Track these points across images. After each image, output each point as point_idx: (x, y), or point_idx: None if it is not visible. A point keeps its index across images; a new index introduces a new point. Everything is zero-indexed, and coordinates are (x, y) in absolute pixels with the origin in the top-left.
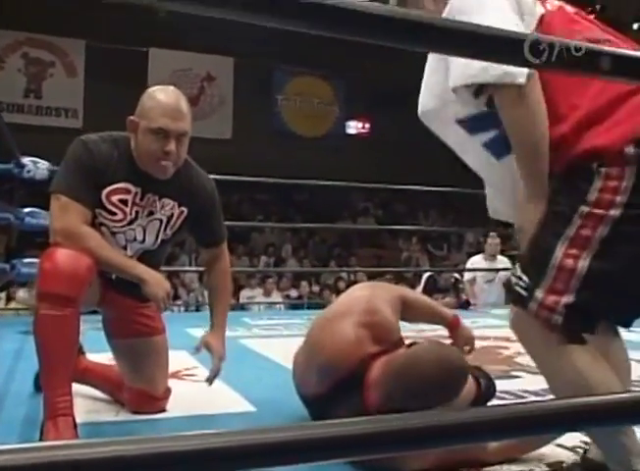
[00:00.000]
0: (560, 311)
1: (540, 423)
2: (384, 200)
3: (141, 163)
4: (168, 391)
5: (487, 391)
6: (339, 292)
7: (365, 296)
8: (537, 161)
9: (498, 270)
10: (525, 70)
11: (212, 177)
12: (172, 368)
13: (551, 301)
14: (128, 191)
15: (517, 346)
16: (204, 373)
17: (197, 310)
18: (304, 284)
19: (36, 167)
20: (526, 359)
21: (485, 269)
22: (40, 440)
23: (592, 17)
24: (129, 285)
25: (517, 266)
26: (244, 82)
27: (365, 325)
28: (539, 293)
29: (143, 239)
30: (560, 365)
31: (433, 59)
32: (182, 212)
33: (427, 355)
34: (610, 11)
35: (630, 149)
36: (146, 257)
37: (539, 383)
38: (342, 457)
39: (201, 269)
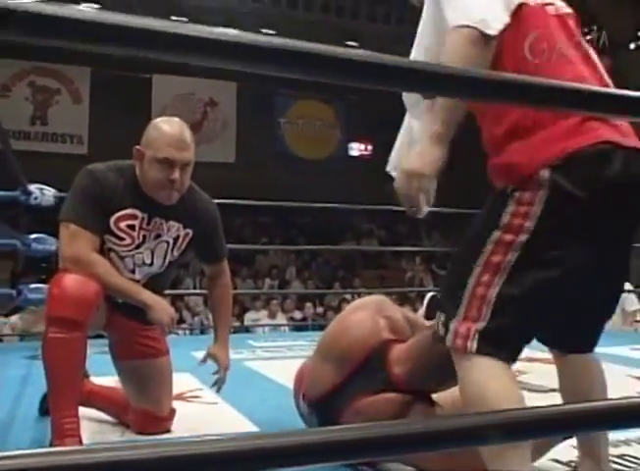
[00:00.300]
0: (473, 337)
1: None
2: (387, 221)
3: (147, 189)
4: (172, 411)
5: None
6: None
7: (378, 298)
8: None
9: None
10: (500, 25)
11: (216, 201)
12: (176, 390)
13: (464, 329)
14: (135, 217)
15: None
16: (208, 394)
17: (202, 333)
18: (309, 305)
19: (43, 194)
20: (529, 377)
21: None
22: None
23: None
24: (133, 308)
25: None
26: (247, 106)
27: (380, 315)
28: (453, 325)
29: (151, 262)
30: (466, 378)
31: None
32: (187, 234)
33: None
34: (607, 31)
35: (545, 173)
36: (153, 281)
37: (537, 400)
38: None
39: (206, 292)
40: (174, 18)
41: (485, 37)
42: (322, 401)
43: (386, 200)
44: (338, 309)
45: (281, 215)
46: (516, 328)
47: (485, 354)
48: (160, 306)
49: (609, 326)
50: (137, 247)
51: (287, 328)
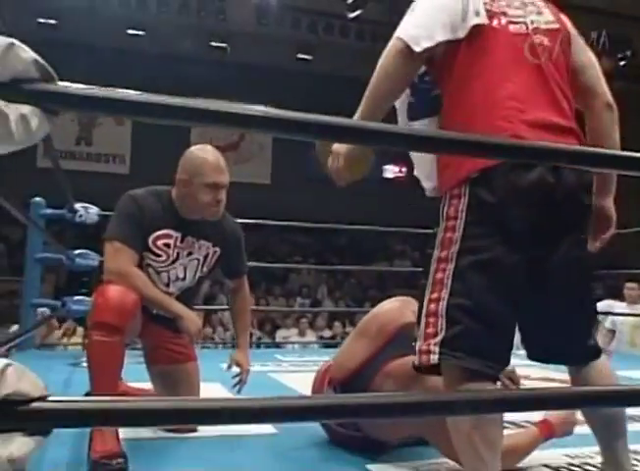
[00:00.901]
0: (433, 351)
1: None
2: (421, 243)
3: (192, 211)
4: None
5: None
6: None
7: (405, 298)
8: (377, 100)
9: None
10: (428, 43)
11: (253, 220)
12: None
13: (425, 345)
14: (170, 236)
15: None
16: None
17: (233, 347)
18: (337, 324)
19: (87, 212)
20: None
21: None
22: (89, 448)
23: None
24: (166, 319)
25: None
26: None
27: (408, 309)
28: (417, 346)
29: (184, 277)
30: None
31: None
32: (215, 252)
33: None
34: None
35: (467, 187)
36: (185, 294)
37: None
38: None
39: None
40: (131, 32)
41: (410, 52)
42: (354, 375)
43: (420, 222)
44: None
45: (316, 235)
46: (473, 332)
47: (452, 364)
48: (189, 317)
49: None
50: (172, 263)
51: (316, 345)
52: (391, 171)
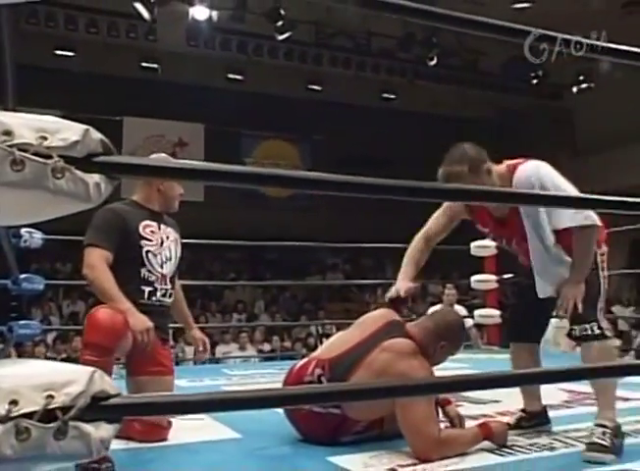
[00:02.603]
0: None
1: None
2: (352, 256)
3: (158, 205)
4: (170, 423)
5: None
6: (308, 346)
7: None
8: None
9: None
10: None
11: (186, 240)
12: None
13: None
14: (151, 226)
15: None
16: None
17: (177, 364)
18: (276, 338)
19: (32, 237)
20: (472, 393)
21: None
22: None
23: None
24: (156, 327)
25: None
26: (215, 147)
27: (393, 313)
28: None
29: (171, 257)
30: None
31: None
32: (176, 238)
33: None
34: (551, 76)
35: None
36: (172, 279)
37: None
38: None
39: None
40: (145, 64)
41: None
42: (344, 354)
43: (349, 236)
44: (305, 341)
45: (249, 251)
46: None
47: None
48: (137, 316)
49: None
50: (161, 245)
51: (256, 359)
52: None
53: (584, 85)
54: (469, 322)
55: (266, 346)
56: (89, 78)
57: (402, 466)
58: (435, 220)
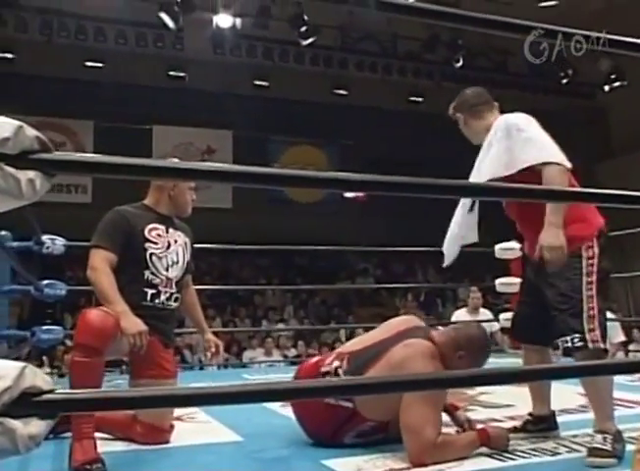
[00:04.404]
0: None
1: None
2: (382, 260)
3: (169, 210)
4: (172, 426)
5: None
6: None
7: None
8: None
9: (479, 321)
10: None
11: (216, 245)
12: (177, 413)
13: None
14: (158, 228)
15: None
16: (203, 417)
17: (201, 369)
18: (301, 343)
19: (54, 243)
20: (487, 397)
21: (468, 321)
22: (70, 459)
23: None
24: (159, 330)
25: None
26: (243, 153)
27: (416, 319)
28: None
29: (178, 261)
30: None
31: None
32: (186, 241)
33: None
34: (581, 75)
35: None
36: (178, 283)
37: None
38: None
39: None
40: (172, 73)
41: (567, 170)
42: (367, 348)
43: (378, 240)
44: (332, 346)
45: (279, 257)
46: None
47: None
48: (131, 319)
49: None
50: (167, 248)
51: (282, 364)
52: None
53: (616, 84)
54: (495, 326)
55: (292, 352)
56: (119, 87)
57: (396, 470)
58: None
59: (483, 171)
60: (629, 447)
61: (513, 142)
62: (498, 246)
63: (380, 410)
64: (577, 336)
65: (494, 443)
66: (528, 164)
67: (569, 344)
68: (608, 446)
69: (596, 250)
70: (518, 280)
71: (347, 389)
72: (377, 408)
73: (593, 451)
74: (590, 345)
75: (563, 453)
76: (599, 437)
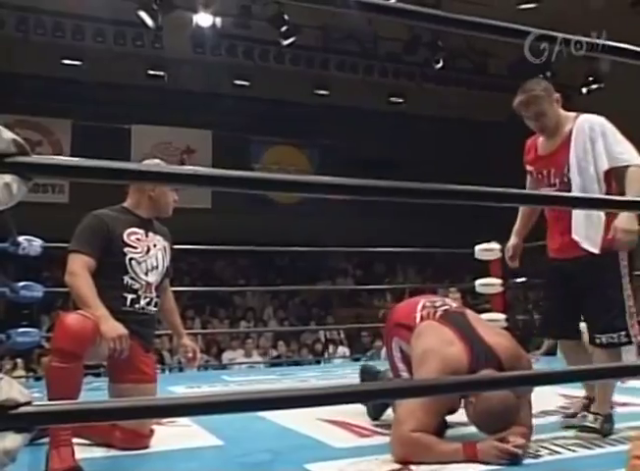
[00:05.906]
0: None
1: None
2: (362, 261)
3: (149, 212)
4: (152, 431)
5: None
6: (315, 351)
7: None
8: None
9: None
10: None
11: (196, 246)
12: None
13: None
14: (137, 233)
15: None
16: (184, 420)
17: (180, 371)
18: (281, 343)
19: (30, 245)
20: None
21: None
22: (46, 466)
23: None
24: (139, 334)
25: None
26: (222, 153)
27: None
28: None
29: (157, 265)
30: None
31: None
32: (165, 246)
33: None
34: (560, 78)
35: None
36: (158, 287)
37: None
38: None
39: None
40: (152, 72)
41: None
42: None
43: (359, 241)
44: (312, 347)
45: (259, 257)
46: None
47: None
48: (111, 323)
49: None
50: (147, 253)
51: (262, 365)
52: None
53: (594, 86)
54: None
55: (272, 352)
56: (97, 86)
57: None
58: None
59: (599, 163)
60: (623, 447)
61: (610, 141)
62: (478, 247)
63: None
64: (623, 333)
65: (481, 456)
66: (626, 163)
67: (616, 340)
68: (597, 425)
69: (627, 259)
70: (498, 281)
71: (346, 395)
72: None
73: (582, 428)
74: (633, 340)
75: (545, 456)
76: (591, 417)
